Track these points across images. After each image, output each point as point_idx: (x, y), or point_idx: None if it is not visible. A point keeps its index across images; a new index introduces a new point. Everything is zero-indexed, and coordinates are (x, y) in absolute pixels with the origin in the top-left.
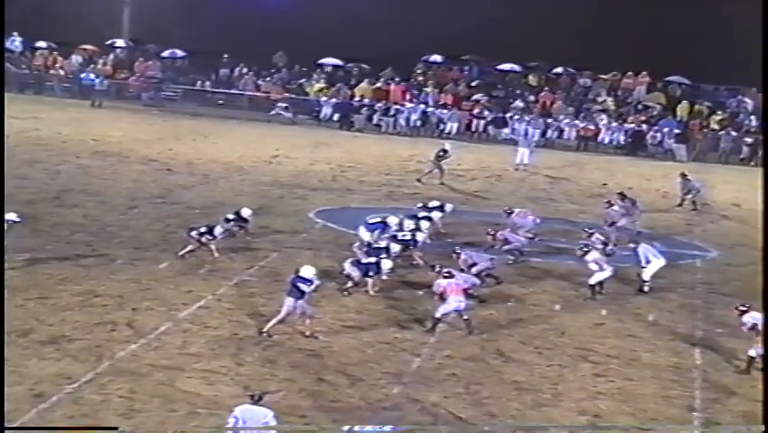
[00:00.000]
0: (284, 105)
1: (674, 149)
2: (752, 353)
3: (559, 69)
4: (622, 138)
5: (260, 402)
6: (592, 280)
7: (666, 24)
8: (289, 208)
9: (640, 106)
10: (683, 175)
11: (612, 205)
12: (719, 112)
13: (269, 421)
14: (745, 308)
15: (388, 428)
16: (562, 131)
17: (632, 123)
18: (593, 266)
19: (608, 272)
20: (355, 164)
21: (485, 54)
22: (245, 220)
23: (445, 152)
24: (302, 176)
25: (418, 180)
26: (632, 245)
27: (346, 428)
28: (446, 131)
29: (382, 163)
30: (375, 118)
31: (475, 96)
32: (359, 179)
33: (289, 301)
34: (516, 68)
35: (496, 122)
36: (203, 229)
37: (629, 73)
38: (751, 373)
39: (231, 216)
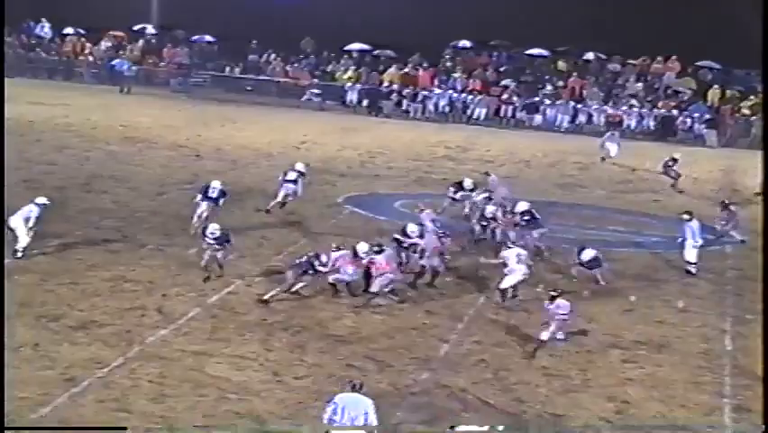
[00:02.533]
0: (316, 90)
1: (705, 134)
2: (543, 336)
3: (589, 55)
4: (652, 123)
5: (360, 390)
6: (503, 284)
7: (695, 8)
8: (318, 194)
9: (670, 92)
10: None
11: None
12: (751, 97)
13: (369, 410)
14: (555, 294)
15: (485, 427)
16: (591, 116)
17: (662, 108)
18: (514, 265)
19: (520, 274)
20: (383, 150)
21: (514, 39)
22: (302, 174)
23: (675, 160)
24: (330, 162)
25: (678, 191)
26: (685, 217)
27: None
28: (475, 116)
29: (410, 149)
30: (403, 104)
31: (504, 82)
32: (387, 165)
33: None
34: (545, 53)
35: (528, 108)
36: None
37: (659, 58)
38: (535, 357)
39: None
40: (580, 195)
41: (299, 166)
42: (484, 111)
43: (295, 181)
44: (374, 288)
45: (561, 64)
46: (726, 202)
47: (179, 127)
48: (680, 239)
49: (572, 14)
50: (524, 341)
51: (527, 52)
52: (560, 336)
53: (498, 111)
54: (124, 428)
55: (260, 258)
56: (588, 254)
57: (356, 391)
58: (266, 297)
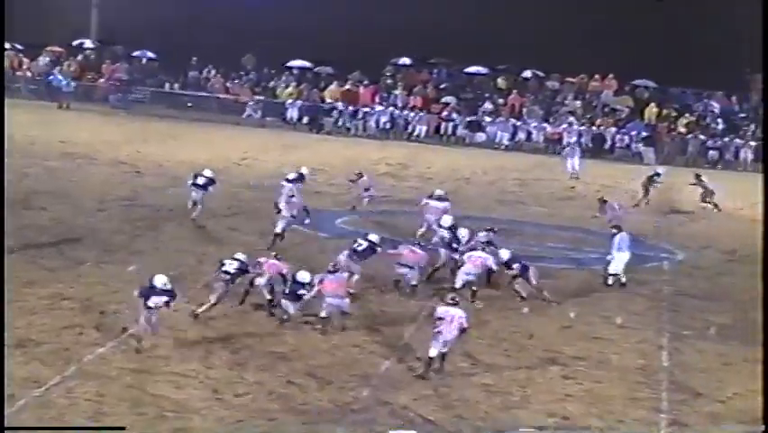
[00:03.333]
0: (254, 106)
1: (642, 152)
2: (432, 353)
3: (527, 73)
4: (589, 141)
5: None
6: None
7: (632, 26)
8: (259, 210)
9: (607, 109)
10: (698, 177)
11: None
12: (686, 115)
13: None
14: (452, 302)
15: None
16: (530, 134)
17: (600, 125)
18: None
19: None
20: (324, 167)
21: (453, 57)
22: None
23: (658, 174)
24: (271, 178)
25: (635, 206)
26: (614, 231)
27: None
28: (416, 133)
29: (352, 166)
30: (344, 121)
31: (444, 99)
32: (328, 183)
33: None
34: (485, 70)
35: (468, 125)
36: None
37: (596, 76)
38: (428, 378)
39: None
40: (520, 211)
41: (207, 172)
42: (425, 128)
43: (204, 187)
44: (323, 313)
45: (500, 82)
46: (604, 199)
47: (119, 143)
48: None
49: (512, 32)
50: (466, 357)
51: (467, 70)
52: (442, 347)
53: (438, 128)
54: (123, 428)
55: (200, 275)
56: (505, 254)
57: None
58: (198, 311)
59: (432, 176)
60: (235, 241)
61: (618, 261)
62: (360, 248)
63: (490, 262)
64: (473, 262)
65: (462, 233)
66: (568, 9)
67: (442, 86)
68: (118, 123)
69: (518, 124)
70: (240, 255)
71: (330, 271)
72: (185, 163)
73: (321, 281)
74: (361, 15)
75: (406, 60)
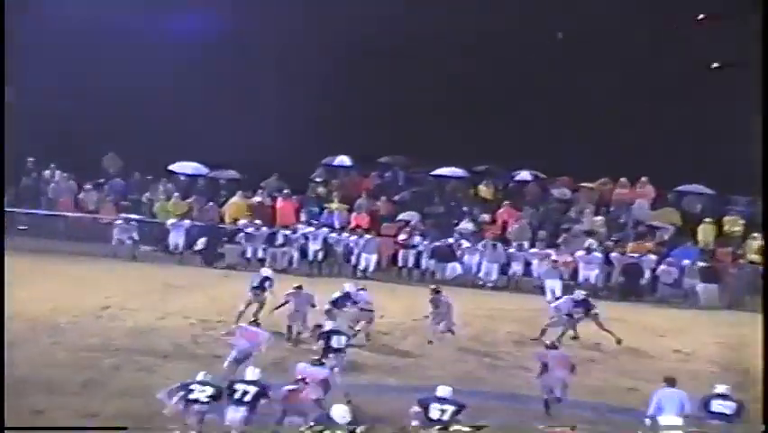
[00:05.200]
0: (125, 227)
1: (699, 291)
2: None
3: (524, 174)
4: (617, 275)
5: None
6: None
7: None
8: (129, 385)
9: (642, 228)
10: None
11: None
12: (755, 235)
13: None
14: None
15: None
16: (529, 264)
17: (632, 252)
18: None
19: None
20: (226, 318)
21: (415, 154)
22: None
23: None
24: (146, 336)
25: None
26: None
27: None
28: (362, 266)
29: (267, 316)
30: (254, 249)
31: (402, 216)
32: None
33: None
34: (460, 172)
35: (438, 253)
36: None
37: (623, 180)
38: None
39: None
40: (520, 380)
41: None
42: (374, 258)
43: None
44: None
45: (483, 189)
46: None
47: None
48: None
49: (499, 117)
50: None
51: (436, 172)
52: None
53: (395, 258)
54: (125, 428)
55: None
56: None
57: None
58: None
59: (387, 331)
60: None
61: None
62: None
63: None
64: None
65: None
66: (580, 85)
67: (397, 197)
68: None
69: (511, 250)
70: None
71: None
72: (17, 317)
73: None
74: (276, 97)
75: (344, 160)
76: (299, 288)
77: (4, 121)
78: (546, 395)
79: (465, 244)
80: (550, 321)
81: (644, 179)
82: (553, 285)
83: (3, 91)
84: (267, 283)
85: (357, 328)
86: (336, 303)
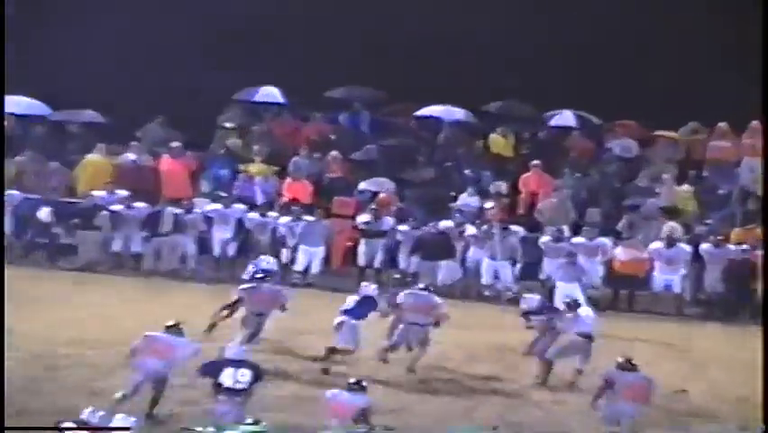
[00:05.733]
0: None
1: None
2: None
3: (566, 118)
4: (714, 279)
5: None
6: None
7: None
8: None
9: (755, 204)
10: None
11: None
12: None
13: None
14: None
15: None
16: (573, 260)
17: (738, 241)
18: None
19: None
20: (82, 351)
21: (385, 86)
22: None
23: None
24: None
25: None
26: None
27: None
28: (298, 267)
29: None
30: (126, 239)
31: (365, 184)
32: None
33: None
34: (461, 114)
35: (426, 244)
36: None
37: (722, 126)
38: None
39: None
40: None
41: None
42: (320, 252)
43: None
44: None
45: (497, 140)
46: None
47: None
48: None
49: (522, 26)
50: None
51: (420, 113)
52: None
53: (354, 252)
54: (128, 429)
55: None
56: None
57: None
58: None
59: (343, 373)
60: None
61: None
62: None
63: None
64: None
65: None
66: None
67: (359, 153)
68: None
69: (544, 238)
70: None
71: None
72: None
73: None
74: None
75: (272, 94)
76: (262, 278)
77: (4, 121)
78: (607, 427)
79: (470, 229)
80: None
81: (755, 123)
82: (570, 291)
83: (3, 92)
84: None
85: (388, 352)
86: (354, 312)
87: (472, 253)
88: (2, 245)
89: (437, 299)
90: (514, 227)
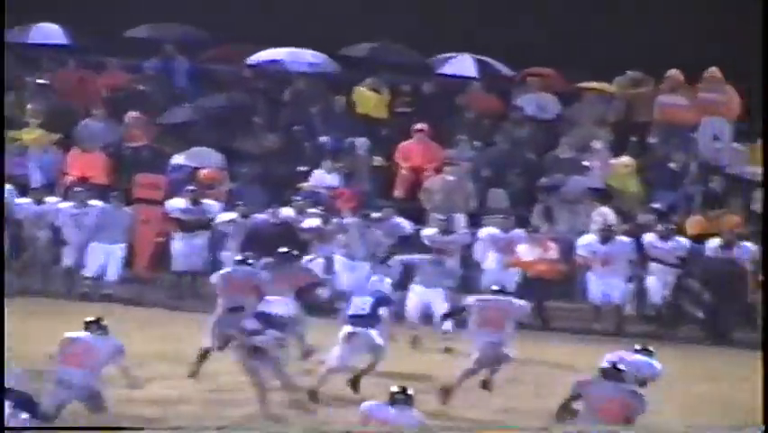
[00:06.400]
0: None
1: None
2: None
3: (463, 65)
4: (662, 286)
5: None
6: None
7: None
8: None
9: (721, 181)
10: None
11: None
12: None
13: None
14: None
15: None
16: (440, 262)
17: (700, 232)
18: None
19: None
20: None
21: (205, 23)
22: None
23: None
24: None
25: None
26: None
27: None
28: (89, 271)
29: None
30: None
31: (179, 158)
32: None
33: None
34: (314, 58)
35: (260, 241)
36: None
37: (674, 73)
38: None
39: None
40: None
41: None
42: (119, 253)
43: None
44: None
45: (366, 95)
46: None
47: None
48: None
49: None
50: None
51: (254, 60)
52: None
53: (165, 252)
54: (141, 429)
55: None
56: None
57: None
58: None
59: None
60: None
61: None
62: None
63: None
64: None
65: None
66: None
67: (169, 115)
68: None
69: (428, 231)
70: None
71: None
72: None
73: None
74: None
75: (50, 32)
76: (242, 261)
77: (4, 122)
78: None
79: (312, 220)
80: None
81: (712, 70)
82: (429, 299)
83: (2, 91)
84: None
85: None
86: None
87: (318, 250)
88: (1, 246)
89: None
90: (378, 214)
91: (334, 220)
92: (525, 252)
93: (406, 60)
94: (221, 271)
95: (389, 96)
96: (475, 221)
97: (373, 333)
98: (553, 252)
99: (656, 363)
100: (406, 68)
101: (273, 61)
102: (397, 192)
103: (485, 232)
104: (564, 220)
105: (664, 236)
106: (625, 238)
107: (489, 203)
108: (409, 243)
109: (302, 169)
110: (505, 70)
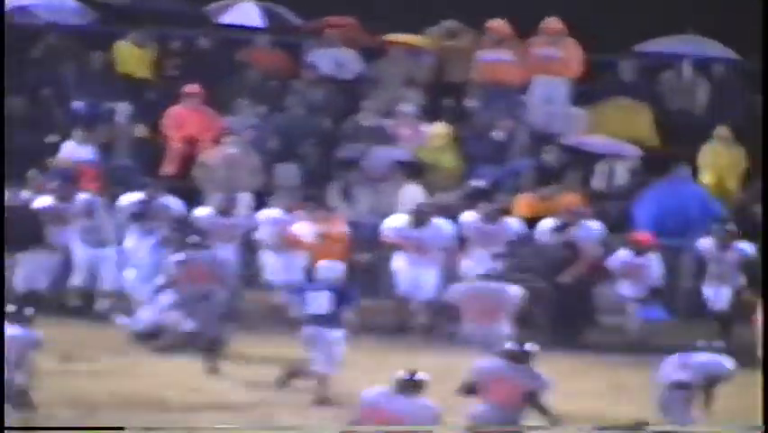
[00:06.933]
0: None
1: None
2: None
3: (246, 13)
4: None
5: None
6: None
7: None
8: None
9: (555, 153)
10: None
11: None
12: None
13: None
14: None
15: None
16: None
17: (529, 214)
18: None
19: None
20: None
21: None
22: None
23: None
24: None
25: None
26: None
27: None
28: None
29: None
30: None
31: None
32: None
33: None
34: (63, 6)
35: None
36: None
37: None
38: None
39: None
40: None
41: None
42: None
43: None
44: None
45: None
46: None
47: None
48: None
49: None
50: None
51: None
52: None
53: None
54: (122, 429)
55: None
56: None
57: None
58: None
59: None
60: None
61: None
62: None
63: None
64: None
65: None
66: None
67: None
68: None
69: (206, 210)
70: None
71: None
72: None
73: None
74: None
75: None
76: (200, 244)
77: (4, 123)
78: None
79: (44, 200)
80: None
81: (551, 20)
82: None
83: (3, 92)
84: None
85: None
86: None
87: (57, 238)
88: (2, 246)
89: None
90: (130, 197)
91: (77, 199)
92: (303, 229)
93: (176, 9)
94: None
95: (157, 52)
96: (262, 201)
97: None
98: (341, 227)
99: (726, 362)
100: (176, 18)
101: (19, 8)
102: (167, 168)
103: (265, 214)
104: (366, 200)
105: (488, 218)
106: (441, 221)
107: (278, 180)
108: (182, 227)
109: (51, 140)
110: (296, 20)
